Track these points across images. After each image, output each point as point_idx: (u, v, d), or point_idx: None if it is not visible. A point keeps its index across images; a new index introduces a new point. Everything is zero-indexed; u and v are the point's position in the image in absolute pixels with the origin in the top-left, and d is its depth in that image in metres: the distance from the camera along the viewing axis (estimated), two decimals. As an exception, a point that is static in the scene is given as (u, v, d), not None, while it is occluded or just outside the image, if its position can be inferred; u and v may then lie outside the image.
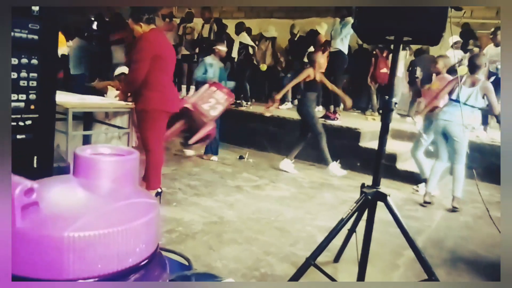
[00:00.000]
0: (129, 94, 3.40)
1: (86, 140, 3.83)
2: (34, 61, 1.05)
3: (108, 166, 0.65)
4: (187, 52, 7.42)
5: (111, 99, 3.94)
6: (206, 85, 4.63)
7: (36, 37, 1.03)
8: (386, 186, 4.73)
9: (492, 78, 6.02)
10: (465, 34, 6.98)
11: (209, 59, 5.10)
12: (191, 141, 4.71)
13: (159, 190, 3.38)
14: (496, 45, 5.83)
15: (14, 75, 1.00)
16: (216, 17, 7.31)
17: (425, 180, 4.62)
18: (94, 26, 8.17)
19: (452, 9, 2.15)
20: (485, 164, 5.08)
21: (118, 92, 3.95)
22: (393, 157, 5.09)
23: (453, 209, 4.03)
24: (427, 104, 4.39)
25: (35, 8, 1.02)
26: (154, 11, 3.35)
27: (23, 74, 1.03)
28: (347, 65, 6.19)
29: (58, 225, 0.57)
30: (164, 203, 3.45)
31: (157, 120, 3.25)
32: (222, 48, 5.25)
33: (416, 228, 3.45)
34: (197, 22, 7.51)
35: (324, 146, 4.89)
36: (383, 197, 2.09)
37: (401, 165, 5.15)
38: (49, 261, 0.56)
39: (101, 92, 4.80)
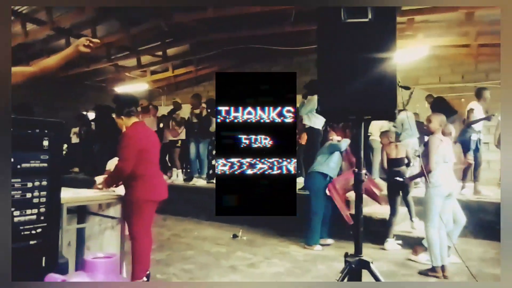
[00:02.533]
0: (114, 185, 3.44)
1: (80, 233, 3.89)
2: (44, 183, 1.32)
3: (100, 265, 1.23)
4: (174, 138, 7.73)
5: (106, 191, 4.00)
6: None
7: (46, 165, 1.32)
8: (381, 251, 4.79)
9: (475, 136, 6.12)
10: (436, 104, 7.28)
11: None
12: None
13: (145, 279, 3.28)
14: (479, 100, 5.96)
15: (29, 195, 1.27)
16: (209, 98, 7.53)
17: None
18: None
19: (402, 89, 2.47)
20: (475, 221, 5.17)
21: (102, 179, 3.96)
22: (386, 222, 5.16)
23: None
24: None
25: (45, 143, 1.30)
26: (134, 104, 3.44)
27: (36, 193, 1.30)
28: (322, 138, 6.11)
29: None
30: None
31: (143, 209, 3.25)
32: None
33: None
34: (184, 109, 7.96)
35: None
36: (366, 265, 2.20)
37: (395, 228, 5.22)
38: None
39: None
